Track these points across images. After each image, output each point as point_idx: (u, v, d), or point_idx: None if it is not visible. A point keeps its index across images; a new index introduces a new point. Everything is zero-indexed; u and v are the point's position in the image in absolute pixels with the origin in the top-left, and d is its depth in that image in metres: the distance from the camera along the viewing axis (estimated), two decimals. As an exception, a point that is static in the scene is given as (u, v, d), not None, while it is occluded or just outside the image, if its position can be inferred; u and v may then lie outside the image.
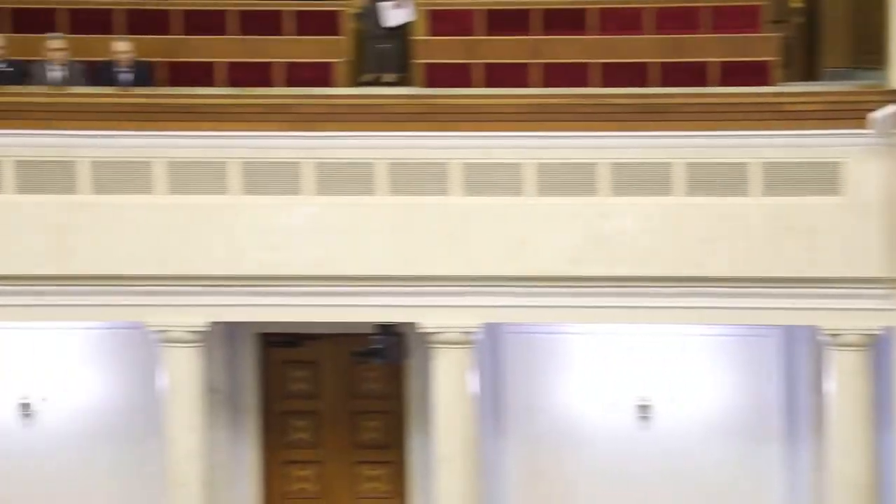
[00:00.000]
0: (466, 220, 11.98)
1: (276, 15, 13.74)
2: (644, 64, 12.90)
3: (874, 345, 11.99)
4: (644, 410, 13.06)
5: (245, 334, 13.30)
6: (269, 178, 12.04)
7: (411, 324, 12.34)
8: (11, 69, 12.39)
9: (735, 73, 12.70)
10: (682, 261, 11.86)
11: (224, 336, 13.14)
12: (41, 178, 11.98)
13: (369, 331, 12.58)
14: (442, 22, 13.61)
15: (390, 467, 13.42)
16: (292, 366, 13.47)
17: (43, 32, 12.81)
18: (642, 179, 11.83)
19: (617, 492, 13.14)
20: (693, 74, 12.64)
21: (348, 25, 13.57)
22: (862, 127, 11.50)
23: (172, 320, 12.20)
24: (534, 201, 11.93)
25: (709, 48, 12.90)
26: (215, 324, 12.40)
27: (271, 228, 12.07)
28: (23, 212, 11.99)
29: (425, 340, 12.33)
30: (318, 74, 12.99)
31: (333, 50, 13.33)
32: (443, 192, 11.99)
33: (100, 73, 12.55)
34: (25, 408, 13.17)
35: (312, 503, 13.42)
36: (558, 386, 13.19)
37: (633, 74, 12.70)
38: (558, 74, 12.69)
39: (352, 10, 13.77)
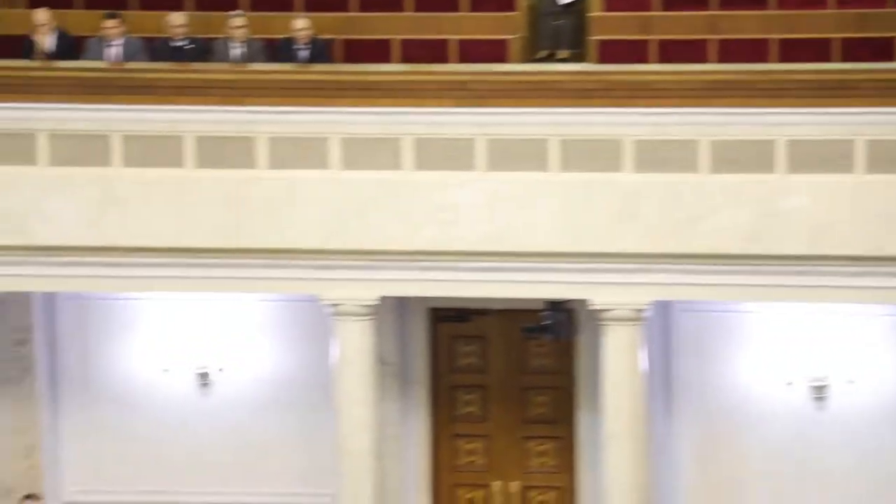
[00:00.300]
0: (638, 196, 11.94)
1: (451, -9, 13.85)
2: (825, 39, 12.64)
3: None
4: (819, 391, 12.90)
5: (415, 309, 13.46)
6: (442, 154, 12.13)
7: (581, 300, 12.38)
8: (194, 46, 12.67)
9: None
10: (860, 240, 11.67)
11: (395, 310, 13.32)
12: (220, 152, 12.26)
13: (539, 307, 12.66)
14: (617, -2, 13.56)
15: (558, 443, 13.48)
16: (461, 340, 13.59)
17: (225, 10, 13.10)
18: (821, 157, 11.66)
19: (790, 472, 13.03)
20: (876, 50, 12.37)
21: (523, 1, 13.56)
22: None
23: (345, 294, 12.40)
24: (708, 178, 11.84)
25: (893, 23, 12.60)
26: (386, 298, 12.59)
27: (443, 204, 12.18)
28: (202, 186, 12.29)
29: (595, 317, 12.34)
30: (493, 50, 13.01)
31: (508, 26, 13.34)
32: (615, 168, 11.95)
33: (279, 50, 12.77)
34: (203, 377, 13.53)
35: (480, 476, 13.55)
36: (731, 364, 13.12)
37: (814, 50, 12.48)
38: (736, 50, 12.51)
39: (527, -13, 13.82)
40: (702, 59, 12.65)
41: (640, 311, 12.20)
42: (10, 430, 13.58)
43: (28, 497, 12.33)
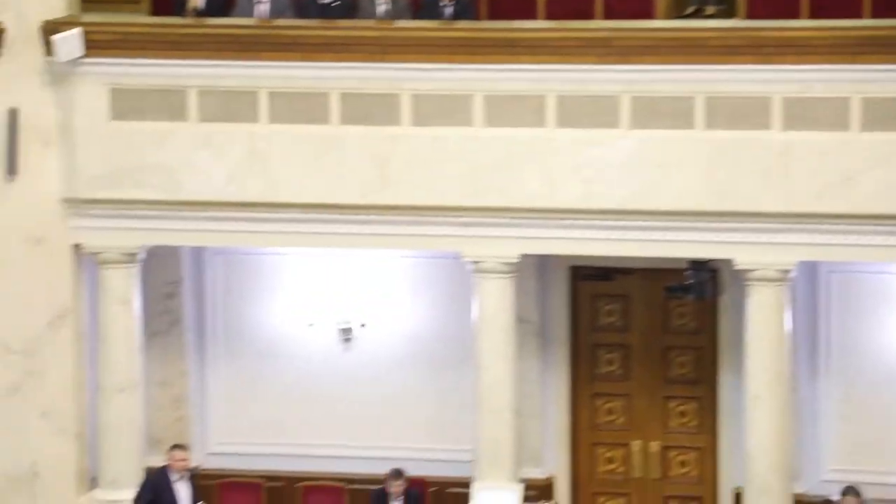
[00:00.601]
0: (786, 155, 11.78)
1: (596, -52, 13.75)
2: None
3: None
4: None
5: (556, 267, 13.45)
6: (586, 112, 12.09)
7: (726, 260, 12.27)
8: (340, 3, 12.71)
9: None
10: None
11: (536, 268, 13.33)
12: (365, 109, 12.36)
13: (682, 266, 12.58)
14: (766, -47, 13.35)
15: (699, 403, 13.39)
16: (603, 299, 13.56)
17: (370, -32, 13.19)
18: (979, 113, 11.43)
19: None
20: None
21: (670, -43, 13.47)
22: None
23: (486, 251, 12.45)
24: (858, 137, 11.65)
25: None
26: (527, 256, 12.61)
27: (586, 162, 12.15)
28: (347, 142, 12.42)
29: (740, 277, 12.24)
30: (639, 6, 12.89)
31: (655, -19, 13.26)
32: (763, 126, 11.81)
33: (424, 6, 12.79)
34: (345, 332, 13.70)
35: (620, 436, 13.53)
36: (881, 326, 12.92)
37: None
38: (891, 5, 12.22)
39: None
40: (854, 15, 12.42)
41: (785, 271, 12.06)
42: (159, 382, 13.89)
43: (175, 447, 12.60)
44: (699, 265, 12.52)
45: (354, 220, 12.53)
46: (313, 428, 13.87)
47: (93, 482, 13.02)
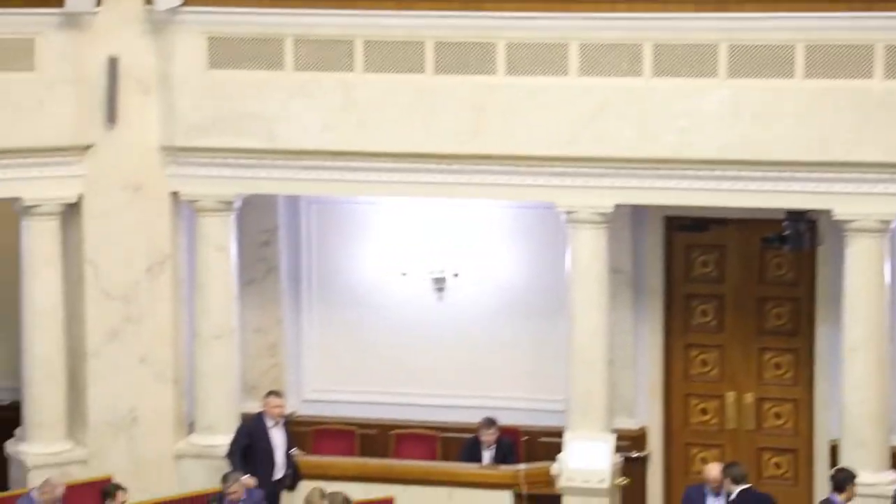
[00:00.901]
0: (886, 104, 11.60)
1: None
2: None
3: None
4: None
5: (651, 217, 13.37)
6: (682, 60, 11.99)
7: (824, 210, 12.13)
8: (435, -48, 12.77)
9: None
10: None
11: (630, 218, 13.25)
12: (460, 58, 12.35)
13: (779, 217, 12.46)
14: None
15: (795, 355, 13.27)
16: (698, 250, 13.45)
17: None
18: None
19: None
20: None
21: None
22: None
23: (580, 201, 12.41)
24: (962, 85, 11.48)
25: None
26: (622, 206, 12.56)
27: (682, 111, 12.05)
28: (441, 91, 12.41)
29: (838, 227, 12.10)
30: (738, -47, 12.78)
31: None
32: (863, 75, 11.64)
33: (519, -46, 12.77)
34: (438, 282, 13.73)
35: (714, 387, 13.46)
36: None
37: None
38: None
39: None
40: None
41: (885, 222, 11.91)
42: (254, 329, 14.03)
43: (270, 394, 12.73)
44: (796, 216, 12.38)
45: (448, 170, 12.55)
46: (406, 376, 13.96)
47: (190, 427, 13.22)
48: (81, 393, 12.87)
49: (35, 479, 12.20)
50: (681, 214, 13.23)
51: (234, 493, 11.71)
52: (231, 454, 12.38)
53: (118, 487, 11.42)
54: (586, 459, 12.22)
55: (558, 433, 12.75)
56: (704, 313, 13.48)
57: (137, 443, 12.97)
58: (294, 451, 12.74)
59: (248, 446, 12.44)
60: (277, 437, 12.58)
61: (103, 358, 12.87)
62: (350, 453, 13.70)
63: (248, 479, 12.02)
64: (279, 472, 12.51)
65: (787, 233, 12.44)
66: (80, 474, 12.64)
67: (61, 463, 12.62)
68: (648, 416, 13.51)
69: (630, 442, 13.25)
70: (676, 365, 13.55)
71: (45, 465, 12.49)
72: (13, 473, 12.92)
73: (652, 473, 13.48)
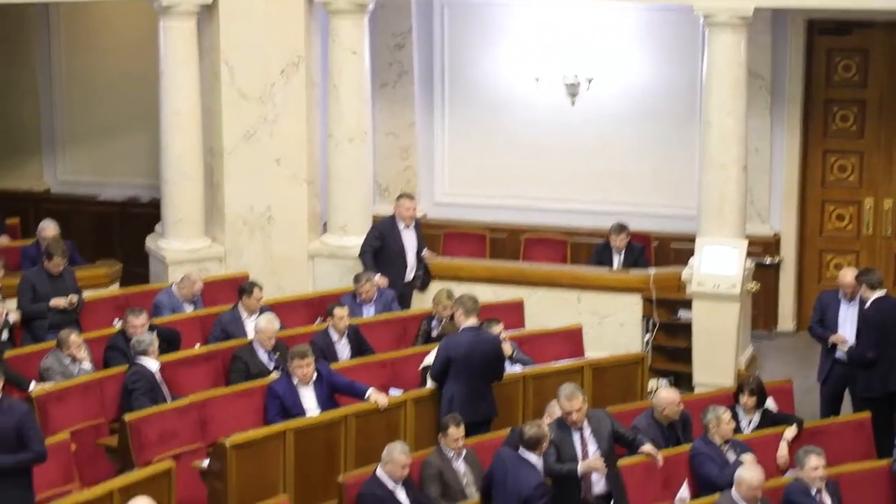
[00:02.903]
0: None
1: None
2: None
3: None
4: None
5: (792, 20, 13.01)
6: None
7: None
8: None
9: None
10: None
11: (770, 22, 12.92)
12: None
13: (926, 18, 12.09)
14: None
15: (937, 163, 13.04)
16: (840, 54, 13.09)
17: None
18: None
19: None
20: None
21: None
22: None
23: (719, 4, 12.05)
24: None
25: None
26: (762, 9, 12.20)
27: None
28: None
29: None
30: None
31: None
32: None
33: None
34: (572, 88, 13.53)
35: (851, 193, 13.24)
36: None
37: None
38: None
39: None
40: None
41: None
42: (387, 132, 14.11)
43: (403, 196, 12.80)
44: (944, 17, 12.01)
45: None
46: (538, 181, 13.94)
47: (323, 228, 13.41)
48: (218, 191, 13.11)
49: (174, 275, 12.56)
50: (823, 17, 12.86)
51: (366, 292, 11.92)
52: (363, 254, 12.55)
53: (254, 285, 11.65)
54: (717, 264, 12.12)
55: (690, 238, 12.65)
56: (844, 119, 13.16)
57: (272, 241, 13.20)
58: (425, 252, 12.88)
59: (380, 247, 12.58)
60: (409, 239, 12.70)
61: (239, 158, 13.02)
62: (480, 256, 13.81)
63: (379, 279, 12.22)
64: (410, 273, 12.67)
65: (934, 34, 12.08)
66: (217, 271, 12.97)
67: (199, 259, 12.95)
68: (783, 222, 13.37)
69: (762, 248, 13.15)
70: (813, 171, 13.31)
71: (183, 262, 12.83)
72: (153, 268, 13.30)
73: (784, 280, 13.40)
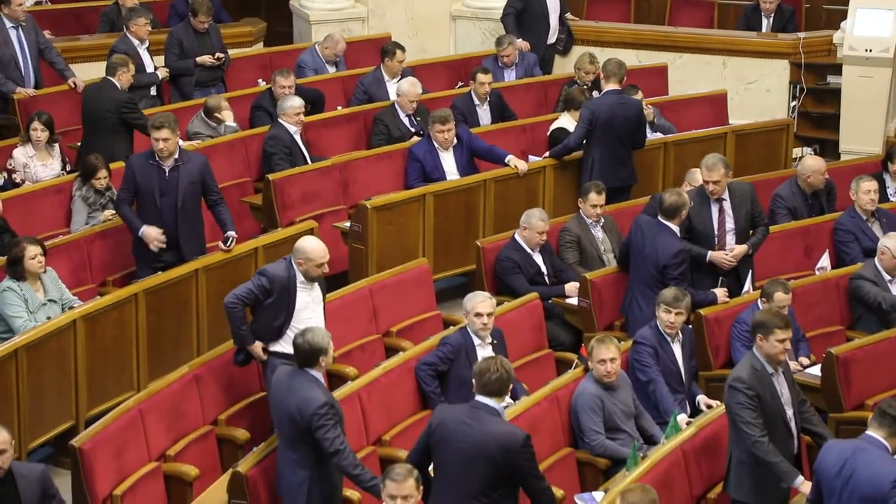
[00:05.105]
0: None
1: None
2: None
3: None
4: None
5: None
6: None
7: None
8: None
9: None
10: None
11: None
12: None
13: None
14: None
15: None
16: None
17: None
18: None
19: None
20: None
21: None
22: None
23: None
24: None
25: None
26: None
27: None
28: None
29: None
30: None
31: None
32: None
33: None
34: None
35: None
36: None
37: None
38: None
39: None
40: None
41: None
42: None
43: None
44: None
45: None
46: None
47: None
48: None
49: (318, 34, 12.55)
50: None
51: (508, 55, 11.80)
52: (505, 17, 12.33)
53: (397, 46, 11.59)
54: (870, 27, 11.73)
55: (842, 0, 12.26)
56: None
57: (415, 1, 13.07)
58: (568, 15, 12.65)
59: (523, 9, 12.27)
60: (551, 0, 12.43)
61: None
62: (625, 20, 13.55)
63: (521, 42, 12.07)
64: (552, 37, 12.47)
65: None
66: (360, 31, 12.93)
67: (342, 19, 12.91)
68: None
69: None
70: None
71: (326, 21, 12.80)
72: (297, 27, 13.28)
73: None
